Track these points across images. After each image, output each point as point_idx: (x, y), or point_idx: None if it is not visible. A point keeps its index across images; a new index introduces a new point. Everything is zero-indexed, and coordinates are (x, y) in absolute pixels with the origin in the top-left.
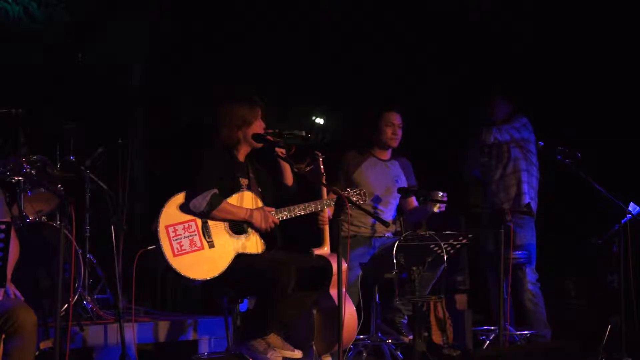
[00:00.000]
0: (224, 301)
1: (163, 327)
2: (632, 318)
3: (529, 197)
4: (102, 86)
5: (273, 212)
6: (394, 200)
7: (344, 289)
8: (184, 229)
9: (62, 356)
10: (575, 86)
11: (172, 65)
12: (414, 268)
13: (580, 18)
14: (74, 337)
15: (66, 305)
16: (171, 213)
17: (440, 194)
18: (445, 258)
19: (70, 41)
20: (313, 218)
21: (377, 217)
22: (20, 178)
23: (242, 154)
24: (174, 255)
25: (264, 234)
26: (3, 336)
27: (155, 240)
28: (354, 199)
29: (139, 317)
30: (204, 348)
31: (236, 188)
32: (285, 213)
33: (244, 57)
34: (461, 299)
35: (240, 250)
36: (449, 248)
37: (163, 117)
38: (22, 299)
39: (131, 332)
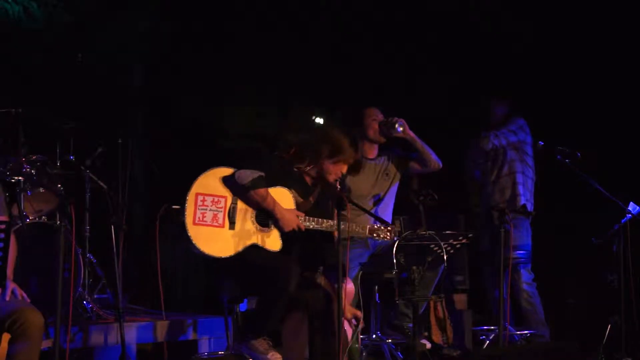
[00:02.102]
0: (224, 301)
1: (163, 327)
2: (632, 318)
3: (524, 198)
4: (102, 86)
5: (302, 218)
6: (389, 198)
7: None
8: (212, 202)
9: (62, 356)
10: (575, 86)
11: (172, 65)
12: (414, 268)
13: (580, 18)
14: (74, 337)
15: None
16: (206, 183)
17: (392, 119)
18: (445, 258)
19: (70, 41)
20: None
21: (377, 217)
22: (20, 178)
23: (308, 178)
24: (194, 223)
25: (284, 236)
26: (9, 337)
27: (182, 203)
28: (388, 235)
29: (139, 317)
30: (204, 348)
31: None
32: (313, 223)
33: (244, 57)
34: (461, 299)
35: (258, 243)
36: (449, 248)
37: (163, 117)
38: (29, 300)
39: (131, 332)
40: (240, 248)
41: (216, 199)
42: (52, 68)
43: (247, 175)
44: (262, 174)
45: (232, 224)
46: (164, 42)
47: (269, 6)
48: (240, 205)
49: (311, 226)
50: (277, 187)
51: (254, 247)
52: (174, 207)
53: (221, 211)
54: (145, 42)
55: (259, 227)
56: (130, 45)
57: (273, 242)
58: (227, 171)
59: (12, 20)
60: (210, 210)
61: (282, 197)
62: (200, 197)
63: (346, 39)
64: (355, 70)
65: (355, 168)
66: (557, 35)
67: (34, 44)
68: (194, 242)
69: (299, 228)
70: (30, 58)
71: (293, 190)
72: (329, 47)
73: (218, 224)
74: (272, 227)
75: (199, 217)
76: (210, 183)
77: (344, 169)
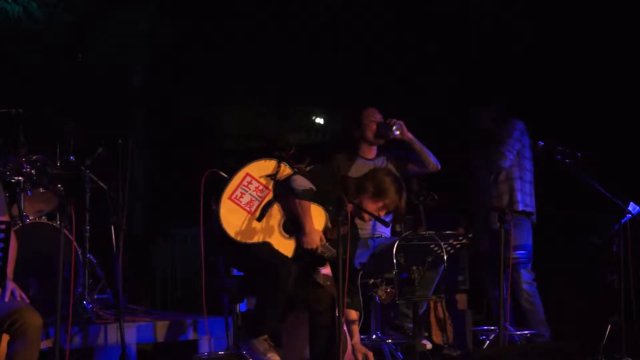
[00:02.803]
0: (224, 301)
1: (163, 327)
2: (632, 318)
3: (522, 205)
4: (102, 86)
5: (322, 242)
6: None
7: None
8: (256, 188)
9: (62, 356)
10: (576, 86)
11: (172, 65)
12: (414, 268)
13: (580, 18)
14: (74, 337)
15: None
16: (260, 169)
17: (390, 121)
18: (445, 258)
19: (70, 41)
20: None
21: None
22: (20, 178)
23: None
24: (229, 197)
25: (299, 249)
26: (7, 337)
27: (231, 174)
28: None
29: (139, 317)
30: (204, 348)
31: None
32: (328, 253)
33: (244, 57)
34: (461, 299)
35: (273, 243)
36: (449, 248)
37: (163, 117)
38: (28, 300)
39: (131, 332)
40: (254, 240)
41: (261, 187)
42: (52, 68)
43: (302, 183)
44: (314, 187)
45: (260, 217)
46: (164, 42)
47: (269, 6)
48: (278, 205)
49: (325, 254)
50: (318, 205)
51: (265, 244)
52: (221, 172)
53: (258, 200)
54: (145, 42)
55: (282, 231)
56: (130, 45)
57: (286, 248)
58: (286, 170)
59: (12, 20)
60: (250, 194)
61: (317, 215)
62: (248, 178)
63: (346, 39)
64: (355, 70)
65: (396, 217)
66: (557, 35)
67: (34, 44)
68: (221, 213)
69: (316, 249)
70: (30, 58)
71: (327, 215)
72: (328, 48)
73: (249, 210)
74: (292, 236)
75: (236, 195)
76: (264, 170)
77: (382, 212)
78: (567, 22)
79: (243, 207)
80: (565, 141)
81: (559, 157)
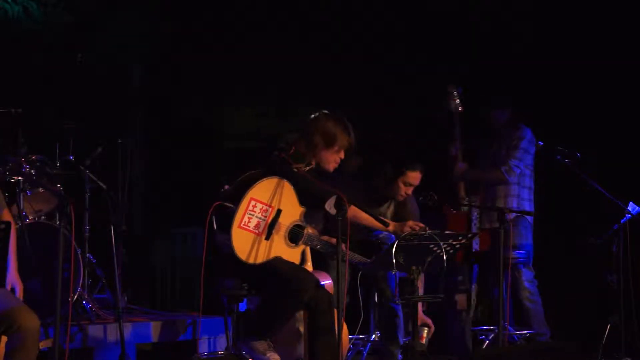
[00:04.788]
0: (224, 301)
1: (163, 327)
2: (631, 318)
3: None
4: (102, 86)
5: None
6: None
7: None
8: (261, 210)
9: (61, 356)
10: (575, 86)
11: (172, 65)
12: (414, 268)
13: (580, 18)
14: (74, 337)
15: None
16: (263, 190)
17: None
18: (445, 258)
19: (70, 41)
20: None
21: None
22: (19, 178)
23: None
24: (239, 226)
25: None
26: (6, 338)
27: (236, 202)
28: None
29: (139, 317)
30: (204, 348)
31: None
32: (320, 245)
33: (244, 57)
34: (461, 299)
35: (282, 256)
36: (449, 248)
37: (163, 117)
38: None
39: (131, 332)
40: (266, 258)
41: (265, 208)
42: (52, 68)
43: (331, 204)
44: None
45: (268, 235)
46: (164, 42)
47: (269, 6)
48: (281, 219)
49: (318, 247)
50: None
51: (276, 258)
52: (227, 204)
53: (264, 220)
54: (145, 42)
55: (288, 242)
56: (130, 45)
57: (294, 256)
58: (284, 183)
59: (12, 20)
60: (257, 217)
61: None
62: (252, 203)
63: (346, 39)
64: (355, 71)
65: (348, 163)
66: (557, 35)
67: (34, 44)
68: (233, 243)
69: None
70: (30, 58)
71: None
72: (328, 47)
73: (257, 232)
74: (300, 244)
75: (244, 222)
76: (266, 191)
77: (342, 154)
78: (567, 22)
79: (252, 231)
80: (565, 141)
81: (558, 157)
